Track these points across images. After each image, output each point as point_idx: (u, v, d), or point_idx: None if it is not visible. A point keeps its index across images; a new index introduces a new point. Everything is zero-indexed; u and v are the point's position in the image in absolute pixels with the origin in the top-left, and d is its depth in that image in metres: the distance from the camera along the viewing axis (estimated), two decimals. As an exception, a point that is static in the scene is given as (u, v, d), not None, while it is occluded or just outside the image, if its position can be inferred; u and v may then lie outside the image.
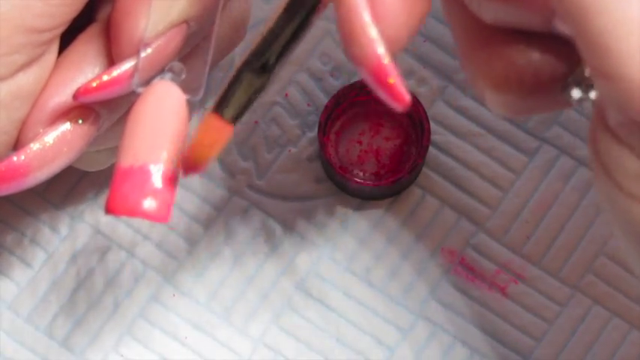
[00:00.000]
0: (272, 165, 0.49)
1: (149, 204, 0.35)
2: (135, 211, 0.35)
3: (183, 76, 0.38)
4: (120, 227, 0.49)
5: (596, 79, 0.29)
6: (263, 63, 0.34)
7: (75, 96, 0.37)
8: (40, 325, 0.48)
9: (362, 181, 0.48)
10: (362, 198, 0.49)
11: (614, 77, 0.28)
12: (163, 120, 0.36)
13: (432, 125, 0.49)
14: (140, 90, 0.37)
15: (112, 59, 0.38)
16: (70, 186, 0.49)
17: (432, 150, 0.49)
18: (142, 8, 0.37)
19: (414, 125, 0.48)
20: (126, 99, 0.39)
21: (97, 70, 0.38)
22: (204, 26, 0.38)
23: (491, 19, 0.32)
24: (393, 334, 0.48)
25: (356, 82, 0.48)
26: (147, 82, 0.38)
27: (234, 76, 0.35)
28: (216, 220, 0.49)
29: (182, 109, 0.37)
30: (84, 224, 0.49)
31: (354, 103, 0.49)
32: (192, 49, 0.39)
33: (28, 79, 0.37)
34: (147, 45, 0.37)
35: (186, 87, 0.38)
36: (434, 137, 0.49)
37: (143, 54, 0.37)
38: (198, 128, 0.36)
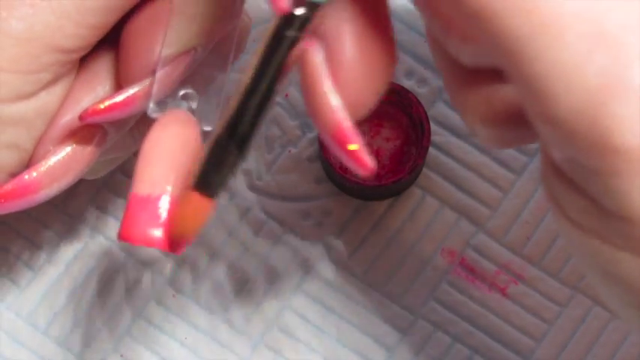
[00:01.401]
0: (272, 165, 0.49)
1: (164, 234, 0.35)
2: (151, 241, 0.35)
3: (196, 106, 0.38)
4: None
5: (535, 120, 0.29)
6: (238, 138, 0.33)
7: (82, 117, 0.38)
8: (40, 325, 0.48)
9: (362, 181, 0.48)
10: (362, 198, 0.49)
11: (551, 119, 0.28)
12: (180, 149, 0.36)
13: (432, 126, 0.49)
14: (155, 116, 0.37)
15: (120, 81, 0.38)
16: (70, 187, 0.49)
17: (432, 150, 0.49)
18: (155, 33, 0.37)
19: (414, 126, 0.48)
20: (132, 117, 0.39)
21: (107, 90, 0.39)
22: (207, 50, 0.39)
23: (469, 62, 0.32)
24: (392, 335, 0.48)
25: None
26: (155, 105, 0.38)
27: (209, 151, 0.34)
28: (217, 220, 0.49)
29: (198, 139, 0.37)
30: (83, 225, 0.49)
31: (354, 103, 0.49)
32: (201, 77, 0.39)
33: (51, 98, 0.38)
34: (156, 70, 0.38)
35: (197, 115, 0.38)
36: (434, 138, 0.49)
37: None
38: (179, 205, 0.35)
